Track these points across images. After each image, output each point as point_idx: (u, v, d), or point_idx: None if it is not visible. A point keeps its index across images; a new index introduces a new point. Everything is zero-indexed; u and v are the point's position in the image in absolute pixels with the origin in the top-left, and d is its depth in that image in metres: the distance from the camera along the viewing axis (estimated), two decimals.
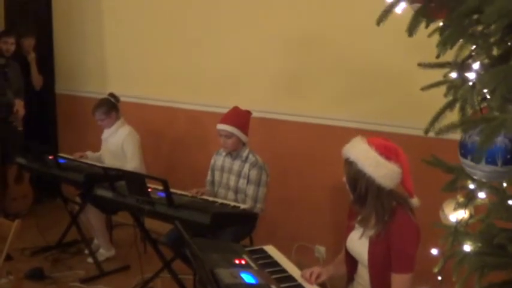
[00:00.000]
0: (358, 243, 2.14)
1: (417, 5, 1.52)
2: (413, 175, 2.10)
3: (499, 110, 1.36)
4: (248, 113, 3.31)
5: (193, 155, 4.29)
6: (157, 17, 4.41)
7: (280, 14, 3.71)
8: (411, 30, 1.50)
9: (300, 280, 2.19)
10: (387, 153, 2.03)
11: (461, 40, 1.49)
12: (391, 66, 3.24)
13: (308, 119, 3.66)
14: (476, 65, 1.47)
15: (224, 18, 4.00)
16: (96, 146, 4.16)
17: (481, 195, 1.66)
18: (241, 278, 2.01)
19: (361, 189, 2.04)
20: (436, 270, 1.80)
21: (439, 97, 1.67)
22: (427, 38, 1.61)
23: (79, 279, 3.70)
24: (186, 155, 4.36)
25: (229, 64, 4.02)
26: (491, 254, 1.58)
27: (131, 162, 3.81)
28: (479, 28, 1.44)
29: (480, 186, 1.64)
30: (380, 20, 1.54)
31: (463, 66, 1.55)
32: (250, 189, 3.17)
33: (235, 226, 3.11)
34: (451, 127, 1.46)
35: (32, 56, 4.83)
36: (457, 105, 1.58)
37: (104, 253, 4.03)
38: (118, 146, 3.90)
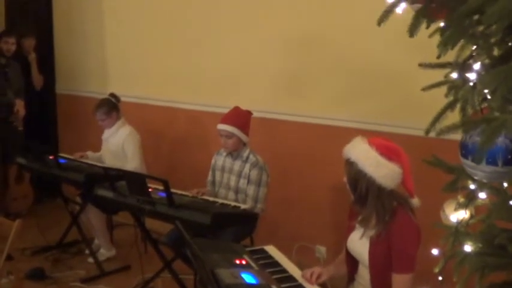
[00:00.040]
0: (359, 243, 2.14)
1: (418, 6, 1.52)
2: (414, 175, 2.10)
3: (499, 111, 1.36)
4: (249, 113, 3.31)
5: (194, 155, 4.29)
6: (158, 17, 4.41)
7: (280, 14, 3.71)
8: (412, 30, 1.50)
9: (301, 280, 2.19)
10: (388, 153, 2.03)
11: (462, 40, 1.48)
12: (391, 66, 3.24)
13: (308, 119, 3.66)
14: (477, 66, 1.47)
15: (224, 19, 4.00)
16: (97, 146, 4.16)
17: (482, 195, 1.66)
18: (242, 278, 2.01)
19: (362, 189, 2.04)
20: (436, 270, 1.80)
21: (439, 97, 1.67)
22: (427, 38, 1.61)
23: (80, 279, 3.70)
24: (187, 155, 4.37)
25: (229, 64, 4.02)
26: (492, 254, 1.58)
27: (132, 162, 3.81)
28: (480, 28, 1.44)
29: (481, 186, 1.64)
30: (381, 21, 1.54)
31: (463, 66, 1.55)
32: (251, 190, 3.17)
33: (235, 226, 3.11)
34: (452, 128, 1.47)
35: (32, 56, 4.84)
36: (458, 106, 1.58)
37: (104, 253, 4.03)
38: (118, 146, 3.90)
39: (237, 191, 3.25)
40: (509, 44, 1.43)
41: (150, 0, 4.44)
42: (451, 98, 1.60)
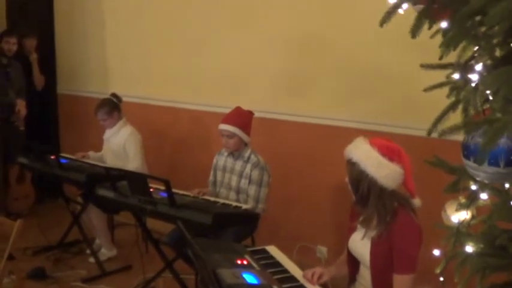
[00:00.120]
0: (360, 244, 2.14)
1: (420, 7, 1.52)
2: (415, 176, 2.10)
3: (501, 112, 1.36)
4: (250, 113, 3.31)
5: (196, 155, 4.29)
6: (159, 17, 4.41)
7: (280, 14, 3.71)
8: (414, 31, 1.50)
9: (302, 280, 2.19)
10: (389, 154, 2.03)
11: (464, 41, 1.49)
12: (391, 66, 3.24)
13: (308, 119, 3.67)
14: (479, 67, 1.47)
15: (225, 19, 4.01)
16: (98, 146, 4.16)
17: (483, 196, 1.66)
18: (243, 278, 2.01)
19: (364, 189, 2.05)
20: (438, 271, 1.80)
21: (439, 97, 1.67)
22: (428, 38, 1.61)
23: (81, 278, 3.70)
24: (188, 155, 4.37)
25: (229, 64, 4.03)
26: (493, 255, 1.58)
27: (133, 162, 3.81)
28: (482, 29, 1.44)
29: (482, 187, 1.64)
30: (383, 22, 1.54)
31: (465, 67, 1.55)
32: (252, 190, 3.17)
33: (237, 226, 3.11)
34: (454, 129, 1.47)
35: (33, 56, 4.84)
36: (460, 107, 1.58)
37: (105, 253, 4.04)
38: (120, 146, 3.90)
39: (238, 191, 3.25)
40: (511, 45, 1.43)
41: (150, 1, 4.45)
42: (453, 98, 1.60)
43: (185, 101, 4.32)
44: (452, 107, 1.59)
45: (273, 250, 2.47)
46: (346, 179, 2.12)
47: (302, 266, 2.33)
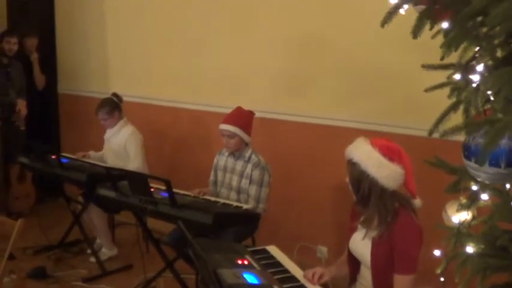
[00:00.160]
0: (361, 244, 2.14)
1: (421, 7, 1.52)
2: (416, 176, 2.10)
3: (502, 112, 1.36)
4: (251, 113, 3.31)
5: (196, 155, 4.29)
6: (160, 17, 4.41)
7: (281, 14, 3.71)
8: (416, 32, 1.50)
9: (303, 280, 2.19)
10: (390, 154, 2.03)
11: (465, 42, 1.49)
12: (391, 66, 3.24)
13: (308, 119, 3.67)
14: (480, 67, 1.47)
15: (225, 19, 4.01)
16: (99, 146, 4.16)
17: (484, 196, 1.66)
18: (244, 278, 2.01)
19: (365, 190, 2.05)
20: (438, 271, 1.80)
21: (439, 97, 1.67)
22: (428, 38, 1.61)
23: (81, 278, 3.70)
24: (189, 155, 4.37)
25: (230, 64, 4.03)
26: (493, 255, 1.58)
27: (134, 162, 3.81)
28: (484, 30, 1.44)
29: (483, 187, 1.64)
30: (384, 22, 1.55)
31: (467, 68, 1.55)
32: (253, 190, 3.17)
33: (237, 226, 3.11)
34: (455, 129, 1.47)
35: (34, 56, 4.84)
36: (461, 107, 1.58)
37: (106, 252, 4.04)
38: (121, 146, 3.90)
39: (239, 191, 3.25)
40: None
41: (151, 1, 4.45)
42: (454, 99, 1.60)
43: (185, 101, 4.32)
44: (453, 108, 1.59)
45: (273, 250, 2.47)
46: (347, 179, 2.12)
47: (302, 266, 2.33)
